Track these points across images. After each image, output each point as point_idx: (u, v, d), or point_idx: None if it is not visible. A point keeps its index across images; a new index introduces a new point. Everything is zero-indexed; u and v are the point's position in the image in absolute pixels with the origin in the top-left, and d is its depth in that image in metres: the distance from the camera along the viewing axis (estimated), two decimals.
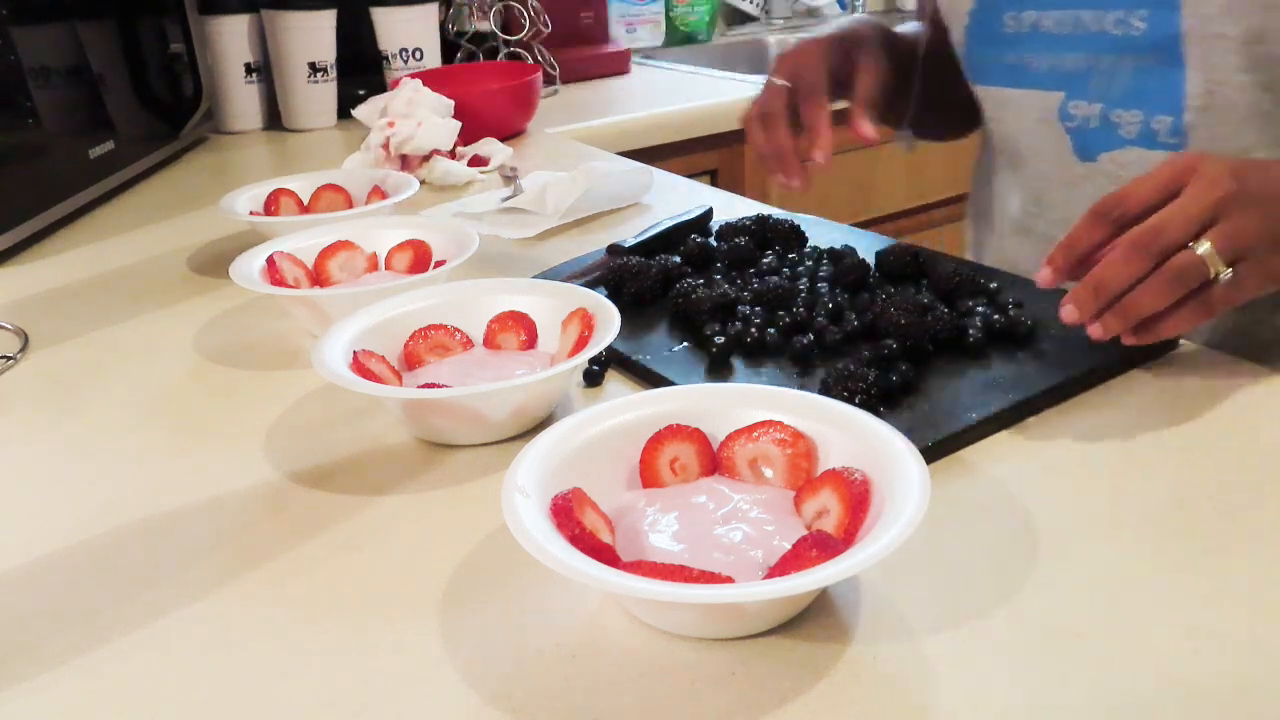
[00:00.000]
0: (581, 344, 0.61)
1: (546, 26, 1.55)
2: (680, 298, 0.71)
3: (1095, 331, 0.57)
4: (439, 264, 0.79)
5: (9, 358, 0.76)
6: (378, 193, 0.96)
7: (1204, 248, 0.54)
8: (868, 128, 0.77)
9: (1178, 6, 0.66)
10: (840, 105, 0.79)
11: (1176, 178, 0.56)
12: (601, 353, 0.61)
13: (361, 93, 1.40)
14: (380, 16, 1.45)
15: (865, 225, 1.45)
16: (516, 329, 0.66)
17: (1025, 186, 0.83)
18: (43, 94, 1.02)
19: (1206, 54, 0.67)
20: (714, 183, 1.45)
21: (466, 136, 1.22)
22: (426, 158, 1.15)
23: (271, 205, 0.94)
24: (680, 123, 1.43)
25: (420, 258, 0.80)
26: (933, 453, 0.55)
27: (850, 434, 0.49)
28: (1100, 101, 0.72)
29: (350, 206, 0.95)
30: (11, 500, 0.59)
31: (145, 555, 0.52)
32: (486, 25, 1.54)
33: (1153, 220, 0.55)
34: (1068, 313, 0.57)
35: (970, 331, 0.64)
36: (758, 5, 2.12)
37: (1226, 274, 0.54)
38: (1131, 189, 0.56)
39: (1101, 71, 0.71)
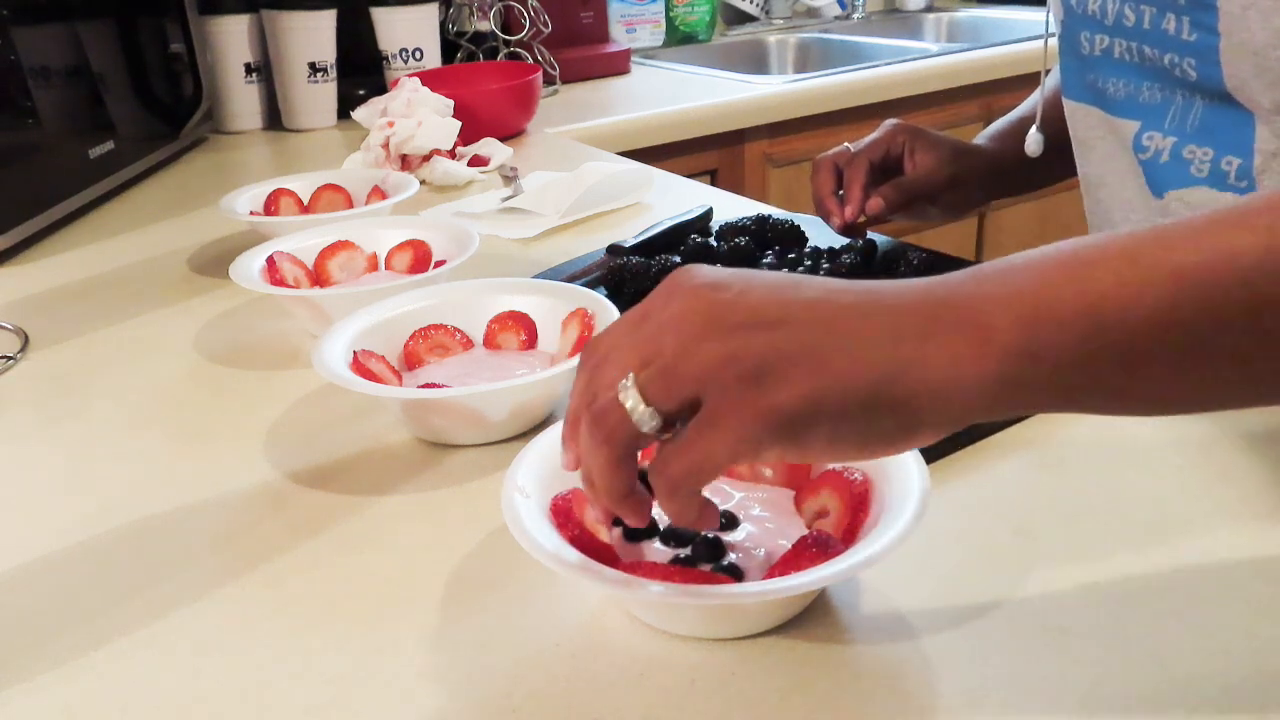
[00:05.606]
0: (581, 344, 0.61)
1: (546, 26, 1.55)
2: None
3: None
4: (439, 264, 0.79)
5: (9, 358, 0.76)
6: (378, 193, 0.96)
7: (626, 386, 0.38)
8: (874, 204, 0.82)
9: (1219, 65, 0.62)
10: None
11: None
12: None
13: (361, 93, 1.40)
14: (380, 16, 1.45)
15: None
16: (516, 329, 0.66)
17: (1106, 217, 0.78)
18: (43, 94, 1.02)
19: (1259, 109, 0.63)
20: (714, 183, 1.44)
21: (466, 136, 1.22)
22: (426, 158, 1.15)
23: (271, 205, 0.94)
24: (680, 123, 1.43)
25: (420, 258, 0.80)
26: (933, 453, 0.55)
27: None
28: (1174, 135, 0.68)
29: (350, 206, 0.95)
30: (11, 500, 0.59)
31: (145, 555, 0.52)
32: (486, 25, 1.54)
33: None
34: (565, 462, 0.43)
35: None
36: (758, 5, 2.12)
37: (644, 413, 0.37)
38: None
39: (1177, 105, 0.68)
